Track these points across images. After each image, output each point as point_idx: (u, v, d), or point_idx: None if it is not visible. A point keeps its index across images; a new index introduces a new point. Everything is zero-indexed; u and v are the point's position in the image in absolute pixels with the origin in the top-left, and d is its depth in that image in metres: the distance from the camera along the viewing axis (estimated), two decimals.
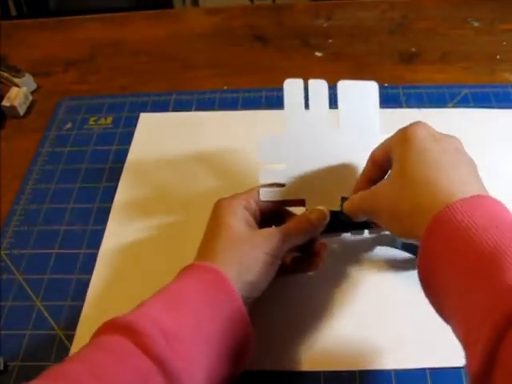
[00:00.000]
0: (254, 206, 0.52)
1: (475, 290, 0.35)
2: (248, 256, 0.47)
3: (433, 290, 0.40)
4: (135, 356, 0.38)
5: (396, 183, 0.44)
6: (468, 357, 0.34)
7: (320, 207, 0.52)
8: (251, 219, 0.51)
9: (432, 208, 0.39)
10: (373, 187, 0.48)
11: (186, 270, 0.47)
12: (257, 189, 0.53)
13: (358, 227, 0.56)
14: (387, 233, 0.56)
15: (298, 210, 0.55)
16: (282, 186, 0.54)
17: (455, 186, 0.40)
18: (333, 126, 0.54)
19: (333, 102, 0.55)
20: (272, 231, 0.50)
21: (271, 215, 0.55)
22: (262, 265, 0.47)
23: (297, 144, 0.54)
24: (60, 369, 0.38)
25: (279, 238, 0.48)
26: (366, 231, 0.58)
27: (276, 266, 0.49)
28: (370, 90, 0.55)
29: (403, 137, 0.45)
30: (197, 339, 0.42)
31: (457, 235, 0.36)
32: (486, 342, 0.31)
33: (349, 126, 0.54)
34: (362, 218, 0.51)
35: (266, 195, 0.53)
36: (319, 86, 0.55)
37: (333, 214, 0.52)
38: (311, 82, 0.55)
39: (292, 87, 0.55)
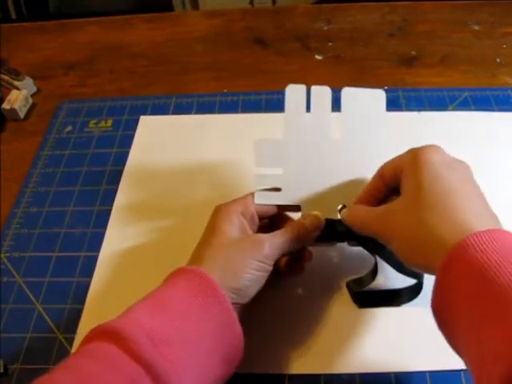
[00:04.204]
0: (251, 211, 0.51)
1: (487, 330, 0.35)
2: (235, 262, 0.46)
3: (446, 323, 0.40)
4: (123, 361, 0.39)
5: (411, 210, 0.43)
6: None
7: (315, 212, 0.52)
8: (246, 225, 0.51)
9: (449, 241, 0.39)
10: (382, 207, 0.48)
11: (172, 275, 0.47)
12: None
13: (355, 239, 0.53)
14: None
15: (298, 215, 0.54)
16: (279, 190, 0.54)
17: (472, 218, 0.40)
18: (334, 132, 0.54)
19: (334, 106, 0.54)
20: (262, 237, 0.49)
21: (271, 220, 0.55)
22: (249, 271, 0.46)
23: (295, 149, 0.54)
24: (49, 378, 0.38)
25: (269, 244, 0.48)
26: None
27: (266, 273, 0.48)
28: (376, 98, 0.54)
29: (416, 160, 0.45)
30: (184, 341, 0.42)
31: (471, 272, 0.37)
32: None
33: (351, 133, 0.54)
34: (364, 234, 0.50)
35: (261, 198, 0.52)
36: (322, 93, 0.54)
37: (329, 222, 0.52)
38: (314, 88, 0.54)
39: (294, 92, 0.54)
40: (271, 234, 0.49)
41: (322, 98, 0.54)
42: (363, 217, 0.49)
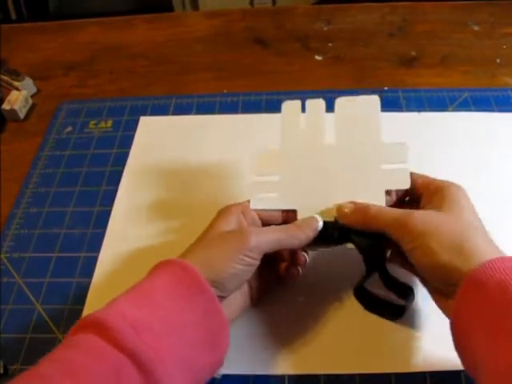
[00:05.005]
0: (251, 213, 0.52)
1: (504, 348, 0.37)
2: (216, 254, 0.46)
3: (464, 332, 0.42)
4: (106, 351, 0.39)
5: (456, 215, 0.46)
6: None
7: (313, 215, 0.51)
8: (245, 223, 0.51)
9: (483, 254, 0.42)
10: (405, 210, 0.49)
11: (156, 267, 0.47)
12: None
13: (352, 241, 0.52)
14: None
15: None
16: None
17: (496, 248, 0.44)
18: (329, 141, 0.54)
19: (330, 106, 0.55)
20: (249, 229, 0.49)
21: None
22: (230, 264, 0.45)
23: (291, 158, 0.54)
24: (34, 370, 0.39)
25: (256, 237, 0.47)
26: None
27: (250, 267, 0.47)
28: (370, 104, 0.54)
29: (460, 190, 0.49)
30: (168, 330, 0.42)
31: (496, 292, 0.39)
32: None
33: (346, 141, 0.54)
34: (368, 228, 0.50)
35: (257, 204, 0.53)
36: (316, 105, 0.55)
37: (326, 224, 0.51)
38: (309, 101, 0.55)
39: (290, 108, 0.56)
40: (261, 228, 0.50)
41: (316, 111, 0.55)
42: (375, 211, 0.49)
